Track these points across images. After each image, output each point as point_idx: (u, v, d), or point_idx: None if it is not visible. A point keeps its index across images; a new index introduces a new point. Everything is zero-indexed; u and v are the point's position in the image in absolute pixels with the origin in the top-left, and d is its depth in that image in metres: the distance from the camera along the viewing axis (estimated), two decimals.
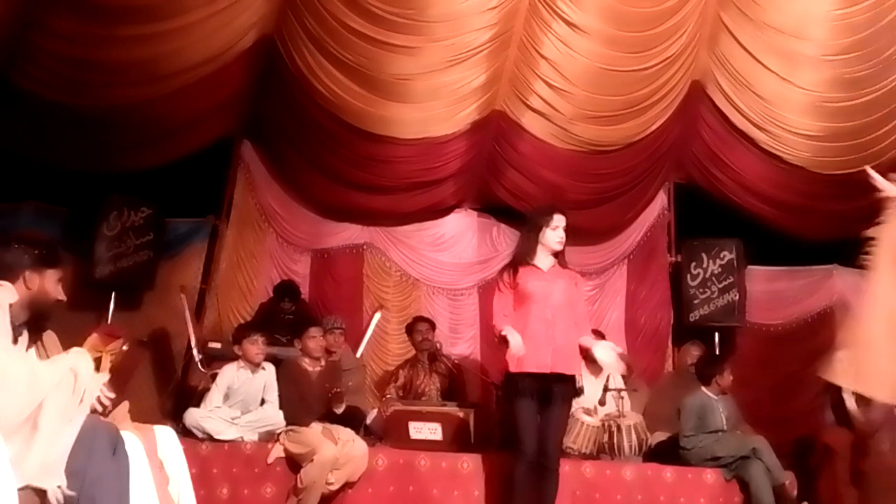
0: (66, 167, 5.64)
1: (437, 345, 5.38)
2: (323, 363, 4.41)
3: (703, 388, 4.59)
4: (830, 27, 5.59)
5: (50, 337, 2.69)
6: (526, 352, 3.61)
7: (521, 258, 3.82)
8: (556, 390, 3.64)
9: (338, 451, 3.96)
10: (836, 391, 4.37)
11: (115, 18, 4.87)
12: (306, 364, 4.37)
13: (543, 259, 3.80)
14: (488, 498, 4.05)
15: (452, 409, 4.48)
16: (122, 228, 5.87)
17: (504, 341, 3.64)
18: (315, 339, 4.39)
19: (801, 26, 5.63)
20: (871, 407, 4.27)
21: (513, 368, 3.66)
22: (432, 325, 5.44)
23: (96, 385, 2.35)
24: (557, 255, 3.82)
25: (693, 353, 5.49)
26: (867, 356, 2.96)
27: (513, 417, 3.71)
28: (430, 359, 5.27)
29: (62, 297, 2.61)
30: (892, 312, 2.95)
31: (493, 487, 4.00)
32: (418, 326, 5.41)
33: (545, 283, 3.74)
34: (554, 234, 3.76)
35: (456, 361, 5.42)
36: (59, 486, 2.15)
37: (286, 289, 5.91)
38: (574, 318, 3.80)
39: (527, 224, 3.96)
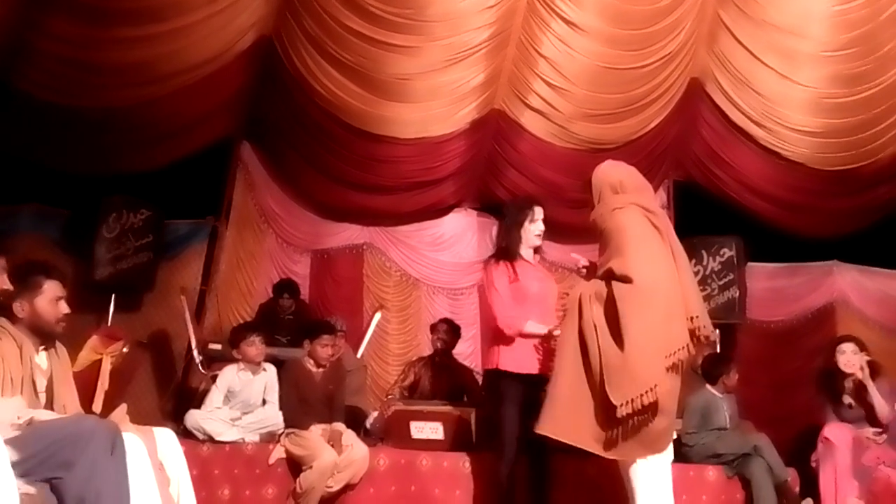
0: (65, 169, 5.64)
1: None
2: (327, 365, 4.39)
3: (708, 387, 4.58)
4: (829, 24, 5.59)
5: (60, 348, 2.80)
6: (513, 352, 3.45)
7: (513, 252, 3.55)
8: (541, 393, 3.37)
9: (338, 457, 3.95)
10: (838, 389, 4.35)
11: (113, 20, 4.87)
12: (310, 365, 4.35)
13: (528, 255, 3.59)
14: (489, 498, 4.04)
15: (454, 408, 4.46)
16: (122, 230, 5.88)
17: (530, 336, 3.43)
18: (326, 348, 4.34)
19: (799, 23, 5.63)
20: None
21: (498, 366, 3.48)
22: (452, 328, 5.28)
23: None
24: (537, 250, 3.63)
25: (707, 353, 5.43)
26: (566, 408, 3.07)
27: (497, 417, 3.54)
28: (440, 360, 5.24)
29: (63, 311, 2.69)
30: (577, 368, 3.07)
31: (494, 487, 3.98)
32: (438, 326, 5.35)
33: (539, 281, 3.57)
34: (534, 227, 3.55)
35: (464, 364, 5.35)
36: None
37: (285, 285, 5.91)
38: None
39: (507, 217, 3.68)
